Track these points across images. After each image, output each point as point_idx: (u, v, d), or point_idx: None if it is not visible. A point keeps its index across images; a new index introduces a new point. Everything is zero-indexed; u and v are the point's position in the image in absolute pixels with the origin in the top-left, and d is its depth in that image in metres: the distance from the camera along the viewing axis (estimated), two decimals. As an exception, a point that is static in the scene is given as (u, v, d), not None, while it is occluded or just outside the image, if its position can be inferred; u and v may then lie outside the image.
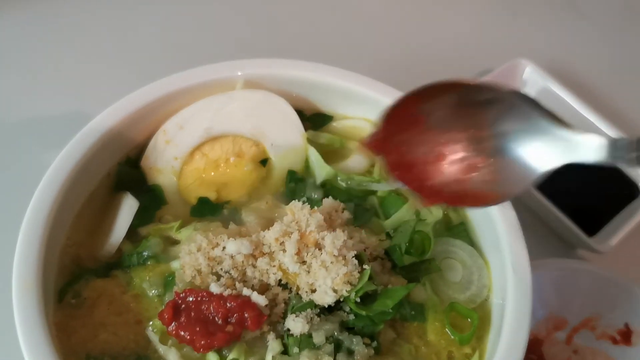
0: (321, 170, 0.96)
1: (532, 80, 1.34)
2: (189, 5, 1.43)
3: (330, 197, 0.90)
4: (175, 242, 0.89)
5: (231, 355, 0.77)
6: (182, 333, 0.76)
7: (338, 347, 0.79)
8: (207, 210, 0.93)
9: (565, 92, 1.31)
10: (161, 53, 1.32)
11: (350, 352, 0.79)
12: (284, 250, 0.81)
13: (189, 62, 0.99)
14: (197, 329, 0.75)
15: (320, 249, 0.81)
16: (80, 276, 0.85)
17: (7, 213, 0.91)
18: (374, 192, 0.96)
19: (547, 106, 0.71)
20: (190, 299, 0.77)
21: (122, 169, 0.94)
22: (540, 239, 1.17)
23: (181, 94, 0.96)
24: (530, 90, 1.33)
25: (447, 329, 0.85)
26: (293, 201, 0.86)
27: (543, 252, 1.12)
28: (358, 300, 0.80)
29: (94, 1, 1.41)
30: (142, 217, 0.90)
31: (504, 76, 1.32)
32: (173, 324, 0.76)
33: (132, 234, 0.89)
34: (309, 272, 0.80)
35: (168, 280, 0.84)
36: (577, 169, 0.71)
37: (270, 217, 0.90)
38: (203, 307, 0.77)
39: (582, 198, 1.21)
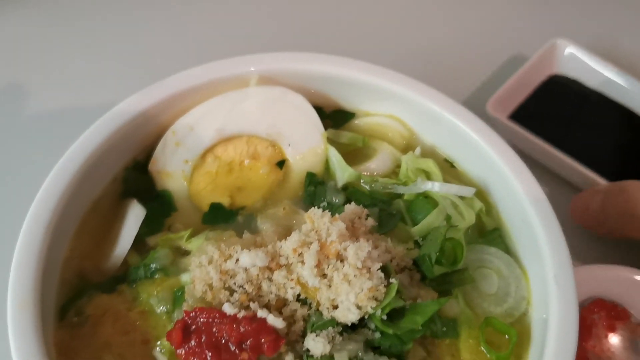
0: (343, 172, 0.89)
1: (573, 60, 1.25)
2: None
3: (352, 203, 0.82)
4: (186, 253, 0.82)
5: (246, 379, 0.71)
6: (193, 359, 0.69)
7: (362, 369, 0.72)
8: (220, 217, 0.86)
9: (610, 70, 1.22)
10: (169, 50, 1.26)
11: (376, 375, 0.72)
12: (303, 262, 0.74)
13: (198, 59, 0.93)
14: (210, 356, 0.69)
15: (342, 261, 0.74)
16: (83, 291, 0.79)
17: (6, 222, 0.85)
18: (400, 196, 0.89)
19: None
20: (201, 319, 0.71)
21: (130, 174, 0.88)
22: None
23: (191, 92, 0.89)
24: (572, 72, 1.25)
25: (482, 347, 0.78)
26: (312, 208, 0.79)
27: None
28: (384, 317, 0.72)
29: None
30: (151, 226, 0.84)
31: (543, 59, 1.24)
32: (183, 347, 0.70)
33: (140, 244, 0.83)
34: (330, 286, 0.73)
35: (177, 296, 0.77)
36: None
37: (288, 225, 0.83)
38: (215, 329, 0.70)
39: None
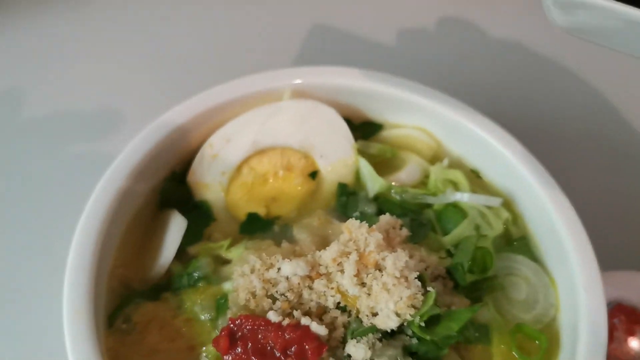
0: (374, 182, 0.92)
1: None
2: (229, 12, 1.37)
3: (387, 214, 0.85)
4: (226, 262, 0.85)
5: (290, 384, 0.74)
6: None
7: (401, 373, 0.75)
8: (257, 226, 0.89)
9: None
10: (201, 64, 1.26)
11: (415, 379, 0.75)
12: (342, 272, 0.77)
13: (231, 73, 0.95)
14: None
15: (380, 270, 0.77)
16: (129, 299, 0.82)
17: (54, 230, 0.89)
18: (429, 206, 0.92)
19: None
20: (247, 327, 0.74)
21: (168, 185, 0.91)
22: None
23: (227, 106, 0.92)
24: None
25: (514, 352, 0.81)
26: (350, 219, 0.82)
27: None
28: (422, 324, 0.75)
29: (131, 8, 1.36)
30: (190, 236, 0.87)
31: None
32: (229, 354, 0.73)
33: (181, 253, 0.86)
34: (369, 294, 0.76)
35: (220, 303, 0.80)
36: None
37: (324, 235, 0.86)
38: (260, 336, 0.73)
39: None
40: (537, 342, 0.82)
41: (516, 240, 0.91)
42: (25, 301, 0.95)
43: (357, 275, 0.76)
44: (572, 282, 0.81)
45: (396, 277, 0.75)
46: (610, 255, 1.07)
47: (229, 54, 1.27)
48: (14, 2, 1.26)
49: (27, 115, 1.12)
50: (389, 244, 0.81)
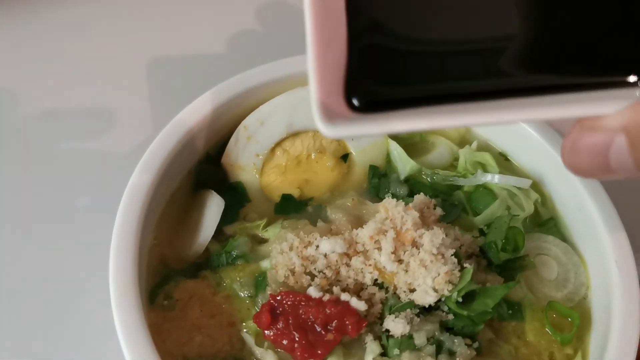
0: (405, 164, 0.94)
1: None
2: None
3: (421, 193, 0.87)
4: (262, 241, 0.87)
5: (330, 359, 0.75)
6: (281, 340, 0.74)
7: (439, 348, 0.77)
8: (291, 207, 0.91)
9: None
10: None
11: (452, 354, 0.77)
12: (379, 249, 0.79)
13: (262, 58, 0.97)
14: (297, 337, 0.73)
15: (417, 248, 0.78)
16: (169, 277, 0.83)
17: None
18: (459, 187, 0.93)
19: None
20: (288, 302, 0.75)
21: (203, 167, 0.93)
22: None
23: (260, 89, 0.93)
24: None
25: (547, 329, 0.82)
26: (387, 198, 0.83)
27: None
28: (460, 300, 0.77)
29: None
30: (226, 216, 0.88)
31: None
32: (271, 329, 0.74)
33: (217, 233, 0.87)
34: (406, 271, 0.78)
35: (259, 281, 0.82)
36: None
37: (358, 215, 0.87)
38: (300, 311, 0.75)
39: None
40: (569, 319, 0.84)
41: (545, 222, 0.92)
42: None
43: (395, 252, 0.78)
44: (604, 260, 0.82)
45: (433, 254, 0.77)
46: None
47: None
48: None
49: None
50: (424, 222, 0.82)
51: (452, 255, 0.78)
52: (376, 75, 0.58)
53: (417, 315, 0.78)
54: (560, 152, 0.86)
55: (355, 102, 0.56)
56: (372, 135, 0.91)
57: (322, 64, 0.56)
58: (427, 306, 0.78)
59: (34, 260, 0.97)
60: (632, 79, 0.54)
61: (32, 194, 1.03)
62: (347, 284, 0.79)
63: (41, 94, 1.12)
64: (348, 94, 0.56)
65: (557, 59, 0.58)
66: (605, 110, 0.52)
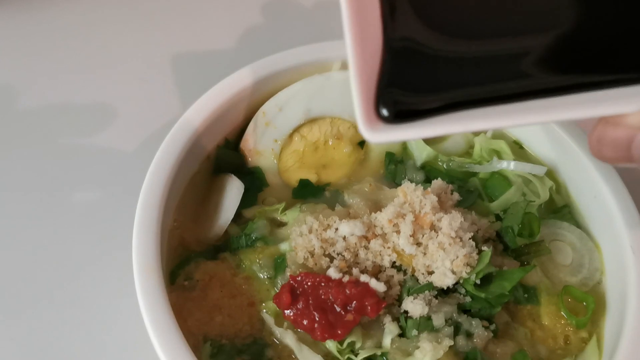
0: (421, 151, 0.95)
1: None
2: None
3: (439, 179, 0.88)
4: (281, 224, 0.88)
5: (349, 339, 0.76)
6: (301, 320, 0.75)
7: (457, 329, 0.78)
8: (308, 192, 0.92)
9: None
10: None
11: (469, 335, 0.78)
12: (398, 232, 0.80)
13: (281, 45, 0.98)
14: (317, 317, 0.74)
15: (435, 231, 0.79)
16: (189, 259, 0.84)
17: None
18: (475, 174, 0.94)
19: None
20: (308, 283, 0.76)
21: (222, 152, 0.94)
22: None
23: (278, 75, 0.94)
24: None
25: (563, 312, 0.83)
26: (405, 182, 0.84)
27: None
28: (478, 282, 0.78)
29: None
30: (245, 200, 0.89)
31: None
32: (291, 309, 0.75)
33: (236, 216, 0.88)
34: (425, 254, 0.79)
35: (278, 263, 0.83)
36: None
37: (376, 199, 0.89)
38: (320, 292, 0.76)
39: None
40: (584, 303, 0.85)
41: (560, 208, 0.93)
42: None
43: (413, 235, 0.79)
44: (619, 246, 0.83)
45: (452, 237, 0.78)
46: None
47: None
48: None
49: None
50: (442, 207, 0.83)
51: (470, 238, 0.79)
52: (407, 84, 0.58)
53: (435, 297, 0.79)
54: (575, 141, 0.88)
55: (384, 112, 0.57)
56: (411, 139, 0.93)
57: (362, 72, 0.57)
58: (445, 288, 0.79)
59: (48, 255, 0.98)
60: None
61: (43, 187, 1.04)
62: (366, 267, 0.80)
63: (52, 87, 1.14)
64: (378, 105, 0.57)
65: (579, 58, 0.60)
66: (627, 108, 0.56)
